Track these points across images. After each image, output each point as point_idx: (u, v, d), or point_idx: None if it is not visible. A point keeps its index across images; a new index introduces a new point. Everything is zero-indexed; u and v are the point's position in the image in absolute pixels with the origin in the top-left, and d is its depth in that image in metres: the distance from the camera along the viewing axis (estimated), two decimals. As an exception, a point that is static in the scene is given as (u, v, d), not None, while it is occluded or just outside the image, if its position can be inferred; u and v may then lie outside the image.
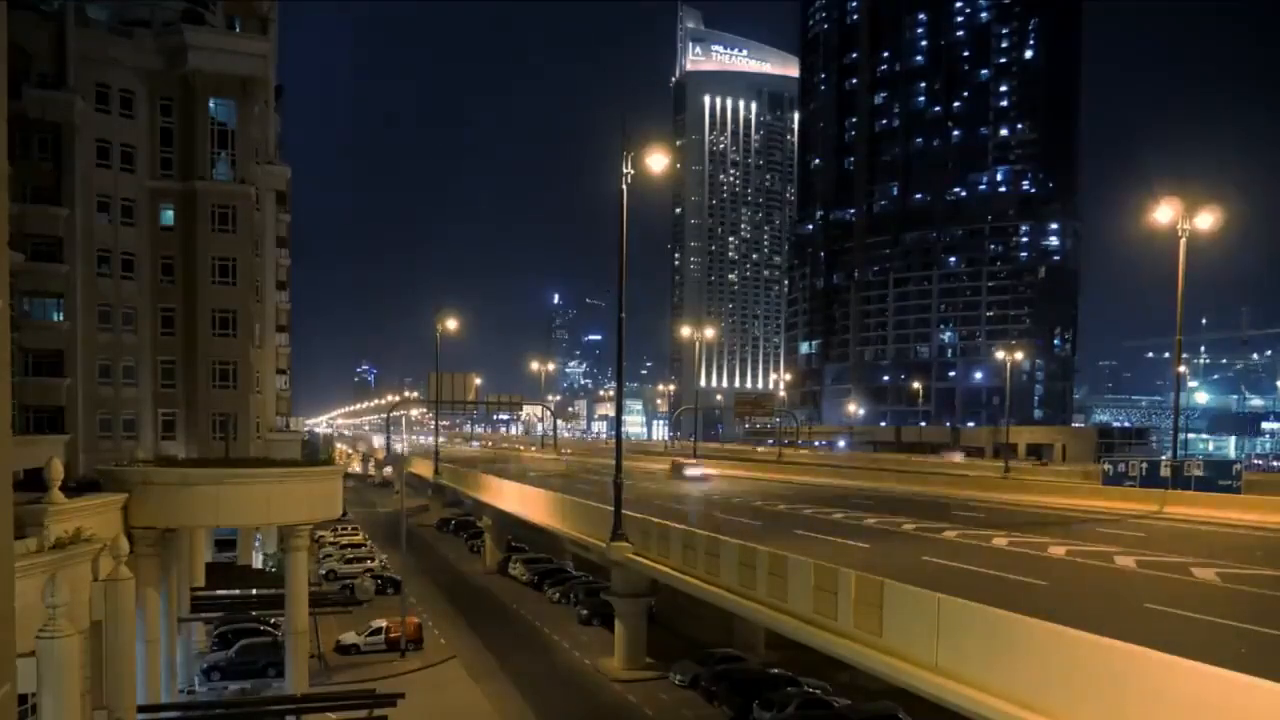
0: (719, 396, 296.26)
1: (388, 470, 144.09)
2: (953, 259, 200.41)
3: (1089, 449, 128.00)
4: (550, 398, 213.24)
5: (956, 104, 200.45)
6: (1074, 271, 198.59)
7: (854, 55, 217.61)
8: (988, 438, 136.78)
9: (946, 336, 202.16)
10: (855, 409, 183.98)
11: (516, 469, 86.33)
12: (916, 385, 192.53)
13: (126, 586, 22.88)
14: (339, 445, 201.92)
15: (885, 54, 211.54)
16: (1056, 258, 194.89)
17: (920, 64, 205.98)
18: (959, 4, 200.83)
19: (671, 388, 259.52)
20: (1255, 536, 35.52)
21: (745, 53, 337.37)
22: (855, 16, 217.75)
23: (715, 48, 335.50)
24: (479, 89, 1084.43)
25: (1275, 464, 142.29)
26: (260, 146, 57.86)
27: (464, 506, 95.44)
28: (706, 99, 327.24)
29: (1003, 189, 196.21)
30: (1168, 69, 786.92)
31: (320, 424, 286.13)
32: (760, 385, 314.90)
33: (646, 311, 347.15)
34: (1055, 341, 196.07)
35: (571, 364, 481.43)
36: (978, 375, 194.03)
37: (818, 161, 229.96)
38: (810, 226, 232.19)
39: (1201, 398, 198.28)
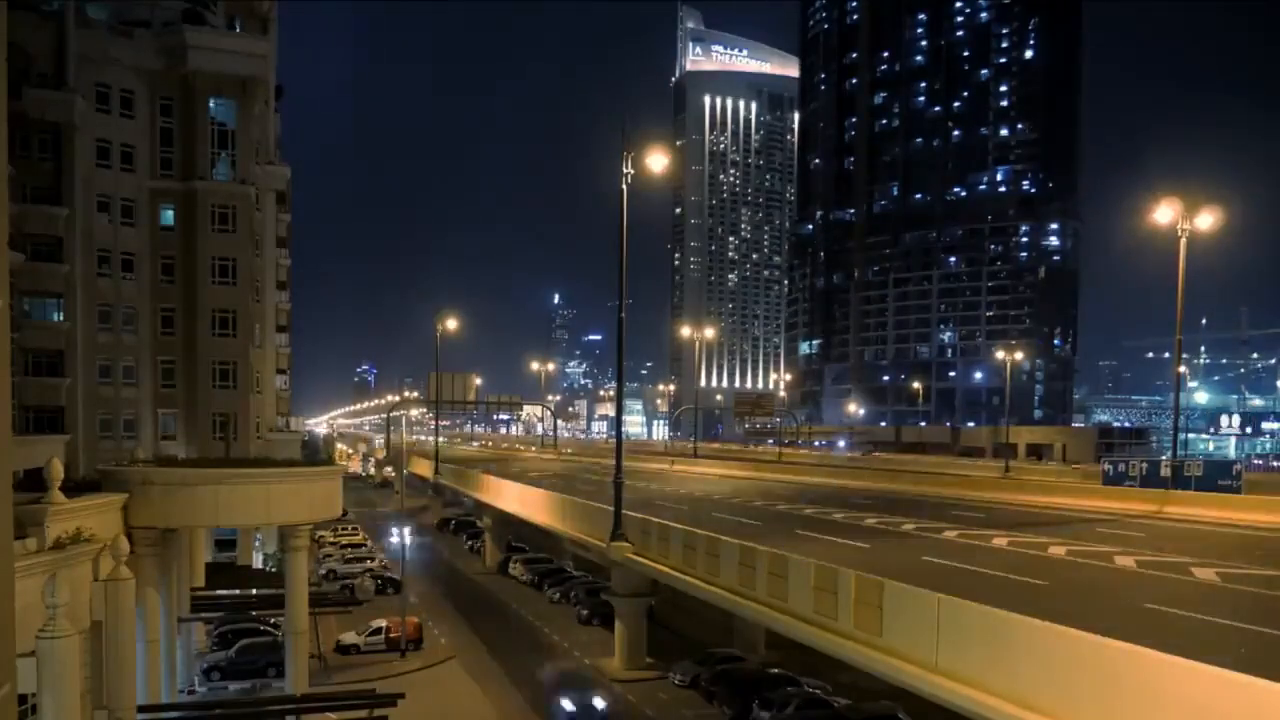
0: (719, 396, 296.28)
1: (388, 470, 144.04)
2: (953, 259, 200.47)
3: (1089, 449, 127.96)
4: (550, 398, 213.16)
5: (956, 104, 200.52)
6: (1074, 271, 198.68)
7: (854, 55, 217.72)
8: (988, 438, 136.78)
9: (946, 336, 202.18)
10: (855, 409, 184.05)
11: (517, 469, 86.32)
12: (916, 385, 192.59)
13: (126, 586, 22.89)
14: (340, 446, 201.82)
15: (885, 54, 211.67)
16: (1056, 258, 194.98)
17: (920, 64, 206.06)
18: (959, 4, 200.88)
19: (671, 388, 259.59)
20: (1255, 536, 35.48)
21: (745, 53, 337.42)
22: (855, 16, 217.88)
23: (715, 48, 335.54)
24: (479, 89, 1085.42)
25: (1275, 464, 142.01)
26: (260, 146, 57.84)
27: (464, 506, 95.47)
28: (706, 99, 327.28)
29: (1003, 189, 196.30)
30: (1168, 68, 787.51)
31: (320, 424, 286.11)
32: (760, 385, 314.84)
33: (646, 311, 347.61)
34: (1055, 341, 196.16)
35: (571, 364, 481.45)
36: (978, 375, 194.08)
37: (818, 161, 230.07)
38: (810, 226, 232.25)
39: (1201, 398, 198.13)
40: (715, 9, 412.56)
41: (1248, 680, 13.00)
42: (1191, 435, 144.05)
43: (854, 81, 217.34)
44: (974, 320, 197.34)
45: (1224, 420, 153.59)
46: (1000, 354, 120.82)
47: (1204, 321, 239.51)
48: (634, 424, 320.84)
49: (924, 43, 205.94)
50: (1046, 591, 24.10)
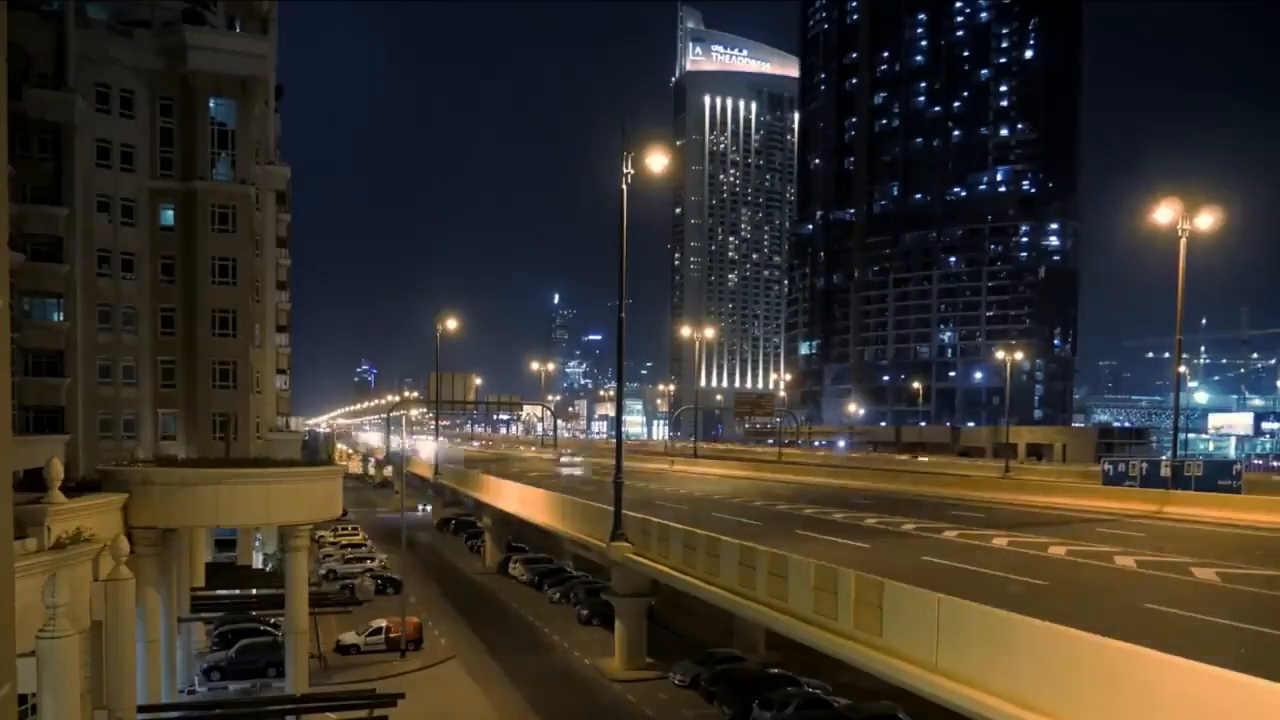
0: (719, 396, 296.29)
1: (388, 470, 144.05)
2: (953, 259, 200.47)
3: (1089, 449, 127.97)
4: (550, 398, 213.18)
5: (956, 104, 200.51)
6: (1074, 271, 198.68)
7: (854, 55, 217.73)
8: (988, 438, 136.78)
9: (946, 336, 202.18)
10: (855, 409, 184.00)
11: (517, 469, 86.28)
12: (916, 385, 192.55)
13: (126, 586, 22.89)
14: (340, 446, 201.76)
15: (885, 54, 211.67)
16: (1056, 258, 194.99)
17: (920, 64, 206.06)
18: (959, 4, 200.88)
19: (671, 388, 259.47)
20: (1255, 536, 35.49)
21: (745, 53, 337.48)
22: (855, 16, 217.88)
23: (715, 48, 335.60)
24: (479, 89, 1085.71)
25: (1275, 464, 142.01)
26: (260, 146, 57.84)
27: (464, 506, 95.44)
28: (706, 99, 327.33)
29: (1003, 189, 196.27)
30: (1168, 68, 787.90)
31: (320, 424, 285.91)
32: (760, 385, 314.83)
33: (646, 311, 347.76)
34: (1055, 341, 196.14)
35: (571, 364, 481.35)
36: (978, 375, 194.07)
37: (818, 161, 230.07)
38: (810, 226, 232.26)
39: (1201, 398, 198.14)
40: (715, 9, 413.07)
41: (1248, 680, 13.00)
42: (1191, 435, 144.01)
43: (854, 81, 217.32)
44: (974, 320, 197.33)
45: (1224, 420, 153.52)
46: (1000, 354, 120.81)
47: (1204, 321, 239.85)
48: (634, 424, 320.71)
49: (924, 43, 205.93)
50: (1046, 591, 24.11)
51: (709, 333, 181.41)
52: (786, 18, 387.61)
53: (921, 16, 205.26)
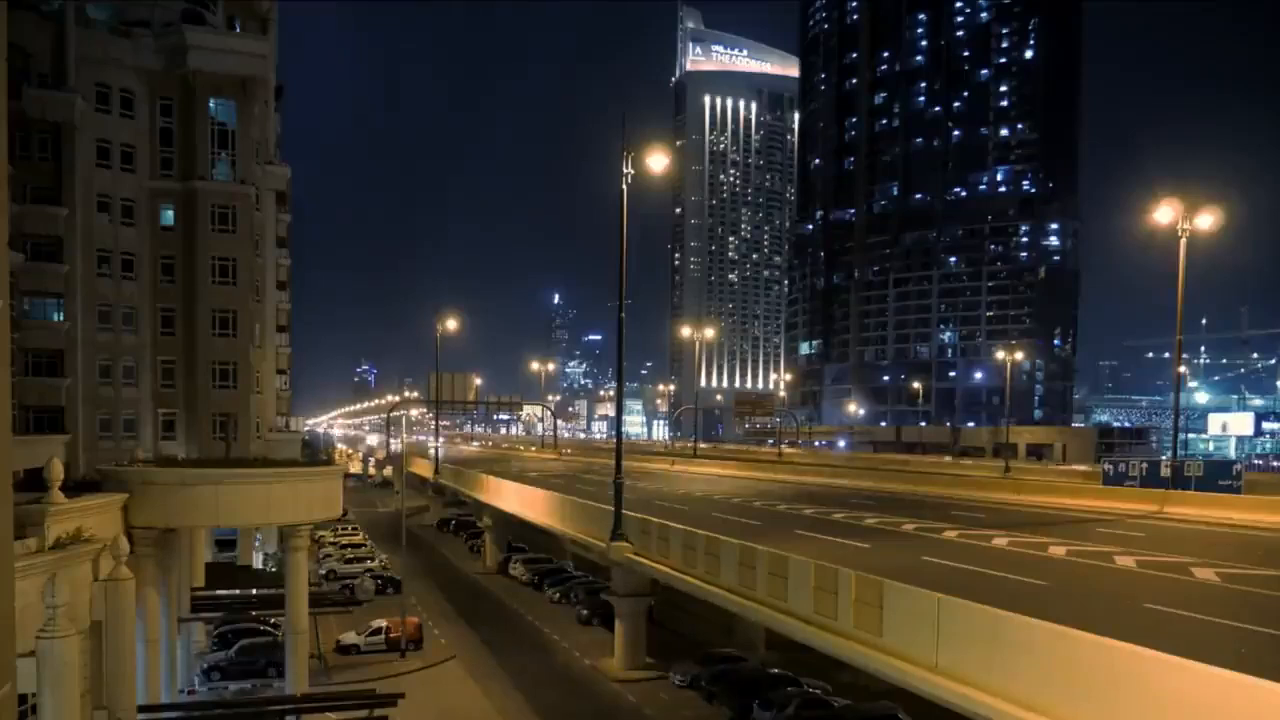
0: (719, 396, 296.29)
1: (388, 470, 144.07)
2: (953, 259, 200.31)
3: (1089, 449, 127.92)
4: (550, 398, 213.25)
5: (956, 104, 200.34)
6: (1074, 271, 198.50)
7: (854, 55, 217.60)
8: (988, 438, 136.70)
9: (946, 336, 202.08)
10: (855, 409, 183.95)
11: (517, 469, 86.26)
12: (916, 385, 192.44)
13: (126, 586, 22.87)
14: (340, 446, 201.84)
15: (885, 54, 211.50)
16: (1056, 258, 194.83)
17: (920, 64, 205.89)
18: (959, 4, 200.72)
19: (671, 388, 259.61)
20: (1255, 536, 35.48)
21: (745, 53, 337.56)
22: (855, 16, 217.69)
23: (715, 48, 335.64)
24: (479, 89, 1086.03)
25: (1275, 464, 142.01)
26: (260, 146, 57.83)
27: (464, 506, 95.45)
28: (706, 99, 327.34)
29: (1003, 189, 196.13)
30: (1168, 68, 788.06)
31: (321, 424, 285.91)
32: (760, 385, 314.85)
33: (646, 311, 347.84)
34: (1055, 341, 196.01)
35: (571, 364, 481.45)
36: (978, 375, 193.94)
37: (818, 161, 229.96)
38: (810, 226, 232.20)
39: (1201, 398, 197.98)
40: (715, 9, 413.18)
41: (1248, 680, 13.00)
42: (1191, 435, 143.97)
43: (854, 81, 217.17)
44: (974, 320, 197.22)
45: (1221, 420, 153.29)
46: (1000, 354, 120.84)
47: (1204, 321, 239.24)
48: (634, 424, 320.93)
49: (924, 43, 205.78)
50: (1047, 591, 24.10)
51: (709, 333, 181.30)
52: (786, 18, 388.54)
53: (921, 16, 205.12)
